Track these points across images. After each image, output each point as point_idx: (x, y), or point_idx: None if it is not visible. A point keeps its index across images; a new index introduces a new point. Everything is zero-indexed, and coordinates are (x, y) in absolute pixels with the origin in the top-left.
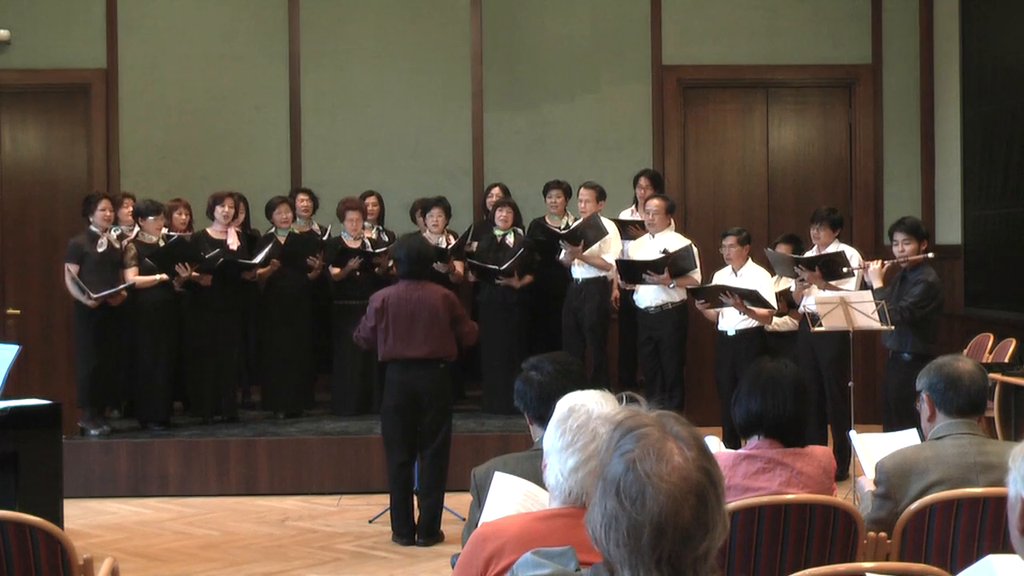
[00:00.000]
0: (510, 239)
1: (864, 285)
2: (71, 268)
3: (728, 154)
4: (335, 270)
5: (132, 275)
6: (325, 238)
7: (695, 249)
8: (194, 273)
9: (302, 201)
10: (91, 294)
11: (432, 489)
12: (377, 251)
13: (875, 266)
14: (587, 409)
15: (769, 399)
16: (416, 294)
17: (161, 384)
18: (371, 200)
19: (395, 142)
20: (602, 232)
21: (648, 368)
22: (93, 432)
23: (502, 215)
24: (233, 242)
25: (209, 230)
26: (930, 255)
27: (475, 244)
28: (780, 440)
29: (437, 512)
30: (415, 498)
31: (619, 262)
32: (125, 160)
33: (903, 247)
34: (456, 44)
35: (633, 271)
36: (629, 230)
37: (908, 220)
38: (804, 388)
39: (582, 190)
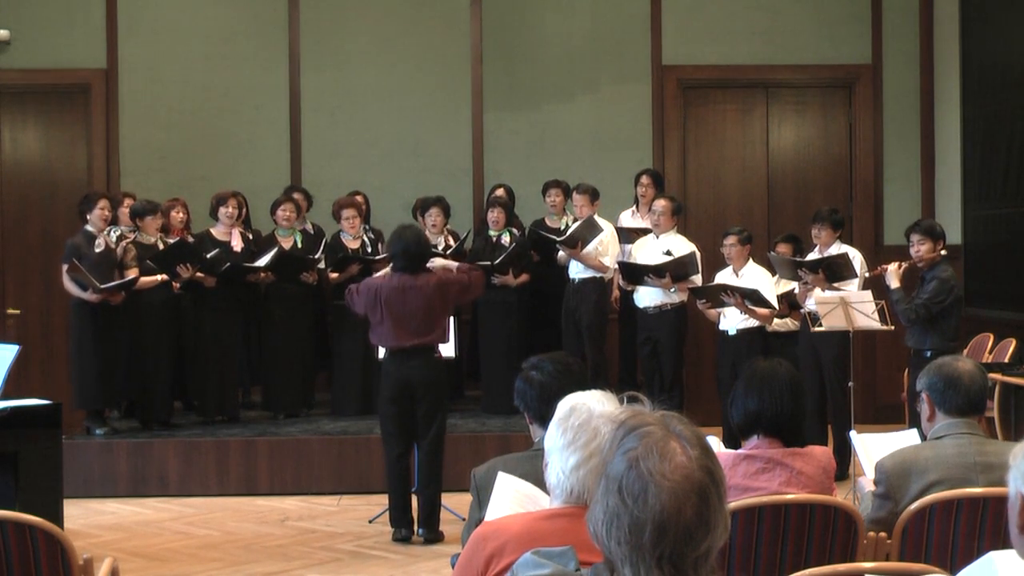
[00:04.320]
0: (506, 239)
1: (867, 287)
2: (80, 268)
3: (728, 154)
4: (333, 275)
5: (133, 276)
6: (323, 244)
7: (699, 255)
8: (198, 274)
9: (298, 200)
10: (97, 285)
11: (430, 482)
12: (377, 258)
13: (892, 267)
14: (588, 408)
15: (767, 398)
16: (409, 284)
17: (162, 384)
18: (358, 199)
19: (395, 142)
20: (597, 229)
21: (646, 368)
22: (98, 432)
23: (493, 215)
24: (237, 243)
25: (213, 230)
26: (943, 252)
27: (473, 242)
28: (779, 439)
29: (435, 505)
30: (413, 497)
31: (621, 263)
32: (125, 160)
33: (918, 247)
34: (456, 44)
35: (635, 273)
36: (630, 236)
37: (924, 221)
38: (800, 386)
39: (575, 195)
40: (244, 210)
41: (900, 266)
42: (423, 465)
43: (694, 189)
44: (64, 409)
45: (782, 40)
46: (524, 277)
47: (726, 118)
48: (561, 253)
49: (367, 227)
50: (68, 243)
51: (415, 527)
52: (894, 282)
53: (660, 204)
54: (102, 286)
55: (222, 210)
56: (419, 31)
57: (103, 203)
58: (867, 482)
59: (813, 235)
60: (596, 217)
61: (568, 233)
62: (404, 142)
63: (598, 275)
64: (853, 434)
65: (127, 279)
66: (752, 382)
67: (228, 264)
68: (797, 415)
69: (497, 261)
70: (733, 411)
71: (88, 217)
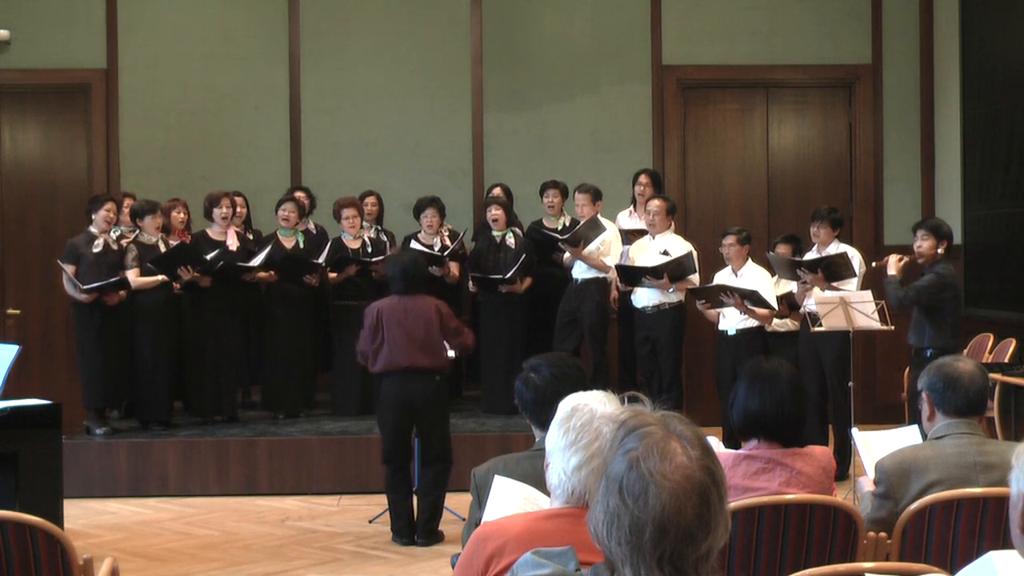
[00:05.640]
0: (510, 239)
1: (866, 286)
2: (67, 268)
3: (728, 154)
4: (332, 275)
5: (133, 276)
6: (327, 247)
7: (695, 254)
8: (195, 275)
9: (300, 200)
10: (81, 286)
11: (432, 490)
12: (375, 259)
13: (893, 259)
14: (590, 408)
15: (767, 398)
16: (409, 305)
17: (161, 384)
18: (370, 200)
19: (395, 142)
20: (600, 229)
21: (645, 368)
22: (98, 431)
23: (493, 214)
24: (233, 242)
25: (209, 231)
26: (940, 251)
27: (474, 243)
28: (779, 440)
29: (436, 512)
30: (414, 498)
31: (619, 267)
32: (125, 160)
33: (921, 243)
34: (456, 44)
35: (632, 275)
36: (629, 238)
37: (931, 219)
38: (801, 387)
39: (577, 195)
40: (244, 210)
41: (901, 259)
42: (426, 475)
43: (694, 189)
44: (65, 409)
45: (782, 40)
46: (528, 281)
47: (726, 118)
48: (566, 255)
49: (380, 228)
50: (68, 243)
51: (415, 536)
52: (892, 270)
53: (655, 204)
54: (85, 286)
55: (216, 211)
56: (419, 31)
57: (109, 205)
58: (867, 482)
59: (812, 233)
60: (599, 217)
61: (573, 232)
62: (404, 142)
63: (601, 275)
64: (855, 431)
65: (111, 280)
66: (753, 383)
67: (221, 262)
68: (798, 416)
69: (509, 274)
70: (733, 412)
71: (93, 218)
